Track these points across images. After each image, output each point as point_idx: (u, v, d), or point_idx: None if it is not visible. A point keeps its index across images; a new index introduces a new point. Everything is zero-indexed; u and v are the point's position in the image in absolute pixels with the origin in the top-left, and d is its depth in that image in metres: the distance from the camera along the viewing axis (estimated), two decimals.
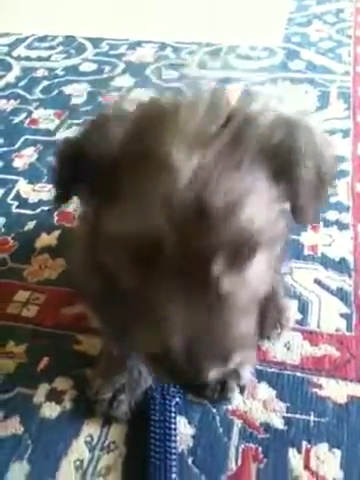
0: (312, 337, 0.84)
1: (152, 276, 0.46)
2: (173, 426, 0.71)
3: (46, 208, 1.12)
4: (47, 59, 1.74)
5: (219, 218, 0.43)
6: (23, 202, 1.14)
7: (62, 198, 0.56)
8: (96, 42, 1.83)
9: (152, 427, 0.70)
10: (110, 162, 0.47)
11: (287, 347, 0.83)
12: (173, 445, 0.69)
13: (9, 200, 1.15)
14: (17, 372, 0.81)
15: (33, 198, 1.15)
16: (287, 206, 0.53)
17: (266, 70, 1.59)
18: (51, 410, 0.76)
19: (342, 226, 1.04)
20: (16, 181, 1.20)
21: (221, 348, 0.47)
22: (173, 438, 0.70)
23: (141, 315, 0.48)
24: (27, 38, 1.89)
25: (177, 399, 0.74)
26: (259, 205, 0.46)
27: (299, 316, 0.88)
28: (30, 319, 0.89)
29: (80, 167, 0.50)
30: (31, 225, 1.09)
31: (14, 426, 0.74)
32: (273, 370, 0.80)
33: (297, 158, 0.49)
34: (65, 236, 1.05)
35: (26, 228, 1.08)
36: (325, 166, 0.52)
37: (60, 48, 1.81)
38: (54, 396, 0.78)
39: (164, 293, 0.46)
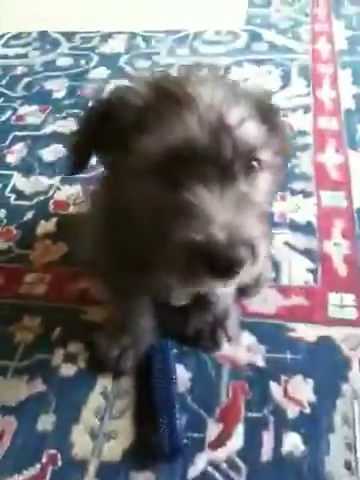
0: (285, 291, 0.99)
1: (189, 178, 0.54)
2: (173, 371, 0.85)
3: (42, 198, 1.24)
4: (25, 56, 1.83)
5: (234, 130, 0.55)
6: (20, 194, 1.26)
7: (78, 165, 0.63)
8: (69, 36, 1.92)
9: (156, 374, 0.85)
10: (137, 111, 0.58)
11: (264, 300, 0.97)
12: (174, 387, 0.83)
13: (7, 193, 1.27)
14: (34, 342, 0.94)
15: (29, 190, 1.27)
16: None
17: (231, 54, 1.71)
18: (68, 370, 0.90)
19: (307, 194, 1.18)
20: (11, 175, 1.32)
21: (251, 238, 0.53)
22: (174, 381, 0.84)
23: (177, 217, 0.54)
24: (2, 36, 1.97)
25: (174, 350, 0.89)
26: (257, 130, 0.58)
27: (273, 274, 1.02)
28: (40, 297, 1.02)
29: (105, 125, 0.59)
30: (30, 214, 1.20)
31: (38, 385, 0.88)
32: (254, 320, 0.94)
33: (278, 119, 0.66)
34: (62, 222, 1.17)
35: (25, 218, 1.20)
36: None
37: (36, 44, 1.90)
38: (69, 358, 0.91)
39: (201, 190, 0.54)
